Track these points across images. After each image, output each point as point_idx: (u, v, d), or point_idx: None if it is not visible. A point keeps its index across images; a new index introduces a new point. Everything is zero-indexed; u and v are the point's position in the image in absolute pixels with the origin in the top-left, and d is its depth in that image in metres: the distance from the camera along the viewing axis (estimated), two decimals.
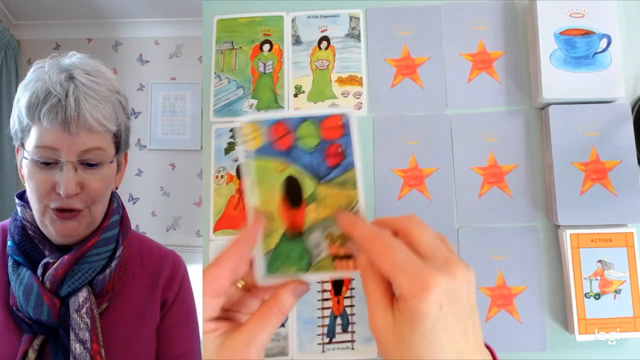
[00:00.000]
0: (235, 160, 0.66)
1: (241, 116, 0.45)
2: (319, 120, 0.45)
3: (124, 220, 0.70)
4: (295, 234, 0.44)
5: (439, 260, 0.38)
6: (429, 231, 0.40)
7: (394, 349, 0.38)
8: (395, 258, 0.38)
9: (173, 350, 0.70)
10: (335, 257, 0.44)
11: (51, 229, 0.62)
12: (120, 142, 0.66)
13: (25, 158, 0.60)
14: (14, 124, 0.62)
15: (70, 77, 0.60)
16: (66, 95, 0.58)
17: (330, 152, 0.44)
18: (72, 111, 0.57)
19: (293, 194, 0.45)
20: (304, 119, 0.45)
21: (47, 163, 0.59)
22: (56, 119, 0.57)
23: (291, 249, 0.44)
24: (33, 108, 0.58)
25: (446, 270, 0.37)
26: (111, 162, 0.64)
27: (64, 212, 0.61)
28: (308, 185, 0.44)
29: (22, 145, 0.62)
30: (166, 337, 0.70)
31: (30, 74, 0.62)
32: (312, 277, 0.44)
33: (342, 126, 0.44)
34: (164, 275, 0.71)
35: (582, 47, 0.63)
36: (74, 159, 0.59)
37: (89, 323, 0.61)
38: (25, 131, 0.60)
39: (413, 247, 0.39)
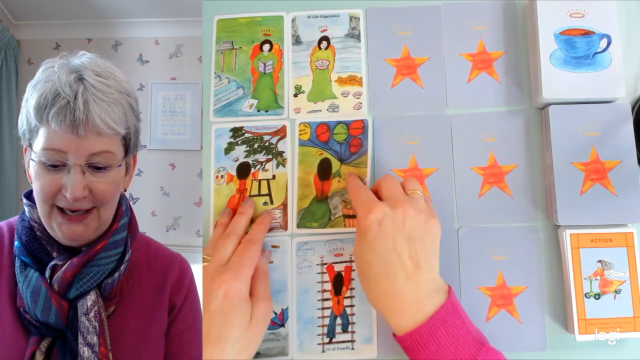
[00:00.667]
0: (236, 161, 0.66)
1: (297, 118, 0.67)
2: (349, 123, 0.66)
3: (132, 222, 0.69)
4: (322, 198, 0.64)
5: (389, 200, 0.54)
6: (393, 186, 0.56)
7: (356, 261, 0.55)
8: (359, 197, 0.56)
9: (182, 356, 0.70)
10: (345, 217, 0.64)
11: (58, 232, 0.61)
12: (129, 145, 0.65)
13: (33, 160, 0.59)
14: (22, 124, 0.61)
15: (80, 79, 0.59)
16: (75, 97, 0.57)
17: (353, 143, 0.65)
18: (80, 114, 0.56)
19: (325, 170, 0.65)
20: (338, 122, 0.66)
21: (55, 165, 0.58)
22: (64, 121, 0.56)
23: (318, 209, 0.64)
24: (41, 109, 0.57)
25: (390, 204, 0.53)
26: (119, 165, 0.63)
27: (72, 215, 0.60)
28: (335, 165, 0.65)
29: (30, 146, 0.61)
30: (175, 343, 0.70)
31: (40, 74, 0.61)
32: (330, 231, 0.63)
33: (363, 127, 0.66)
34: (171, 278, 0.71)
35: (582, 47, 0.63)
36: (82, 162, 0.58)
37: (97, 326, 0.60)
38: (33, 132, 0.59)
39: (379, 194, 0.56)
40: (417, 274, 0.52)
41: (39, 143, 0.58)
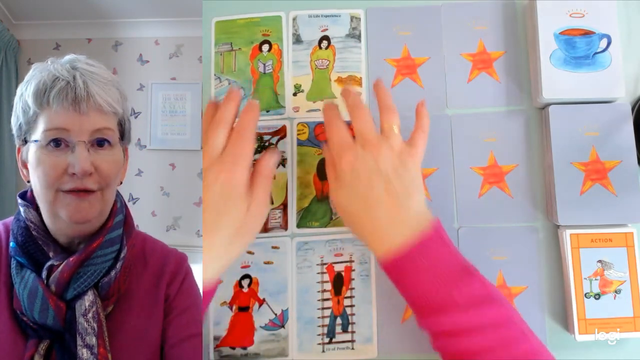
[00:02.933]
0: None
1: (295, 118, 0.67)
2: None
3: (127, 220, 0.69)
4: (322, 198, 0.64)
5: (359, 139, 0.54)
6: (364, 122, 0.55)
7: (336, 204, 0.57)
8: (333, 138, 0.55)
9: (181, 332, 0.68)
10: None
11: (64, 214, 0.60)
12: (124, 130, 0.66)
13: (35, 141, 0.59)
14: (17, 118, 0.62)
15: (74, 67, 0.61)
16: (74, 78, 0.59)
17: None
18: (81, 91, 0.58)
19: (324, 170, 0.60)
20: None
21: (58, 144, 0.59)
22: (67, 99, 0.58)
23: (318, 209, 0.64)
24: (41, 94, 0.58)
25: (360, 144, 0.54)
26: (121, 141, 0.65)
27: (78, 192, 0.60)
28: None
29: (25, 141, 0.61)
30: (173, 324, 0.68)
31: (32, 71, 0.62)
32: (330, 230, 0.64)
33: None
34: (167, 272, 0.71)
35: (582, 47, 0.63)
36: (86, 138, 0.59)
37: (95, 327, 0.60)
38: (31, 122, 0.60)
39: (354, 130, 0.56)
40: (396, 205, 0.52)
41: (39, 129, 0.59)
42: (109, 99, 0.61)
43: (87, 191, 0.60)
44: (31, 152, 0.60)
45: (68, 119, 0.58)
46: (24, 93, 0.60)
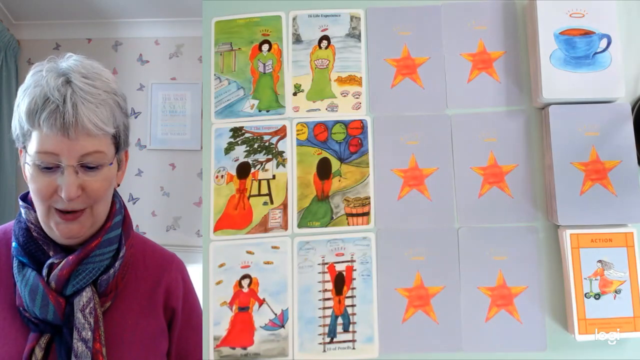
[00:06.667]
0: (236, 160, 0.66)
1: (295, 118, 0.67)
2: (347, 123, 0.66)
3: (126, 220, 0.70)
4: (323, 198, 0.65)
5: None
6: None
7: None
8: None
9: (191, 356, 0.72)
10: (348, 215, 0.64)
11: (56, 231, 0.63)
12: (119, 142, 0.66)
13: (27, 163, 0.61)
14: (15, 128, 0.63)
15: (68, 82, 0.61)
16: (64, 101, 0.59)
17: (353, 142, 0.66)
18: (70, 117, 0.59)
19: (324, 169, 0.65)
20: (336, 122, 0.67)
21: (49, 167, 0.60)
22: (55, 125, 0.58)
23: (319, 208, 0.65)
24: (32, 114, 0.59)
25: None
26: (111, 163, 0.64)
27: (67, 214, 0.62)
28: (335, 164, 0.66)
29: (25, 148, 0.63)
30: (181, 345, 0.71)
31: (29, 78, 0.63)
32: (331, 230, 0.64)
33: (362, 127, 0.66)
34: (166, 279, 0.72)
35: (582, 47, 0.63)
36: (74, 162, 0.60)
37: (92, 322, 0.62)
38: (26, 136, 0.62)
39: None
40: None
41: (32, 146, 0.60)
42: (98, 121, 0.60)
43: (76, 211, 0.62)
44: (27, 167, 0.62)
45: (57, 144, 0.59)
46: (20, 105, 0.61)
